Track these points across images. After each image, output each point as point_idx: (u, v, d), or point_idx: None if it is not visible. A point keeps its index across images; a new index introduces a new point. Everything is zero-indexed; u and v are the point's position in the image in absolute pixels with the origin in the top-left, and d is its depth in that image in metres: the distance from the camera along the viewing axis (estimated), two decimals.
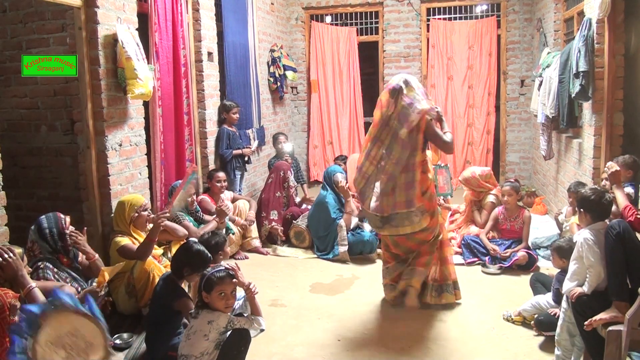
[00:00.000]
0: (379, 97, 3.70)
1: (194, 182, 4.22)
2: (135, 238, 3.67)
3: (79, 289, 3.11)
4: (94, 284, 3.39)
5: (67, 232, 3.07)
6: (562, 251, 3.39)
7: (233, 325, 2.74)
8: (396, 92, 3.53)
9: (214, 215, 4.58)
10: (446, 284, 3.82)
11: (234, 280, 2.77)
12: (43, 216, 3.11)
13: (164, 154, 4.51)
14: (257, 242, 5.20)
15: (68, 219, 3.16)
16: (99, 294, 3.04)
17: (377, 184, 3.60)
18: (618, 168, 3.04)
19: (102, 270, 3.11)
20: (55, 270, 3.01)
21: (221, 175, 5.00)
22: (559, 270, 3.42)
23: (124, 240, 3.58)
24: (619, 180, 3.01)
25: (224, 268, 2.82)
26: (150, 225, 3.86)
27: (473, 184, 5.13)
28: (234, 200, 5.25)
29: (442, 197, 5.43)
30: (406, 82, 3.55)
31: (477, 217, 5.13)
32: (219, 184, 4.95)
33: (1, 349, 2.07)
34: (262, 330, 2.88)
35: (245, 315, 2.91)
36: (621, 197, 2.91)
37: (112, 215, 3.74)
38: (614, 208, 2.98)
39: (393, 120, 3.52)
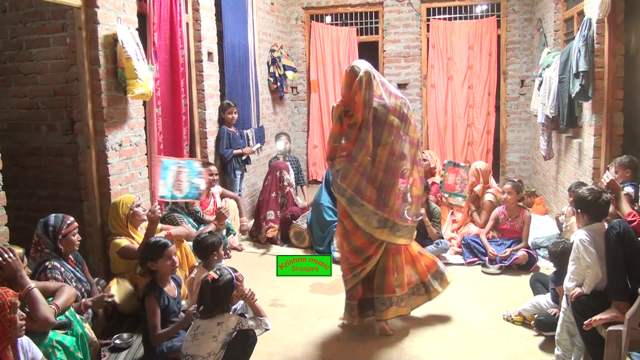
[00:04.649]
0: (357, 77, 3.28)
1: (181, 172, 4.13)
2: (132, 237, 3.67)
3: (82, 290, 3.12)
4: (99, 287, 3.41)
5: (62, 235, 3.06)
6: (551, 254, 3.41)
7: (242, 327, 2.76)
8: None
9: (214, 217, 4.58)
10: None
11: (235, 292, 2.80)
12: (54, 214, 3.13)
13: (163, 154, 4.50)
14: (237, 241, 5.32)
15: (73, 224, 3.14)
16: (106, 301, 3.06)
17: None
18: (612, 177, 3.05)
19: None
20: (63, 269, 3.02)
21: (213, 168, 4.99)
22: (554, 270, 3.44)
23: (123, 242, 3.58)
24: (618, 189, 3.01)
25: (228, 272, 2.83)
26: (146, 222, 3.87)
27: (486, 177, 5.17)
28: (222, 196, 5.26)
29: (447, 195, 5.46)
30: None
31: (476, 217, 5.13)
32: (210, 177, 4.95)
33: (2, 347, 2.07)
34: (266, 330, 2.89)
35: (247, 316, 2.92)
36: (623, 204, 2.92)
37: (108, 218, 3.73)
38: (612, 209, 2.98)
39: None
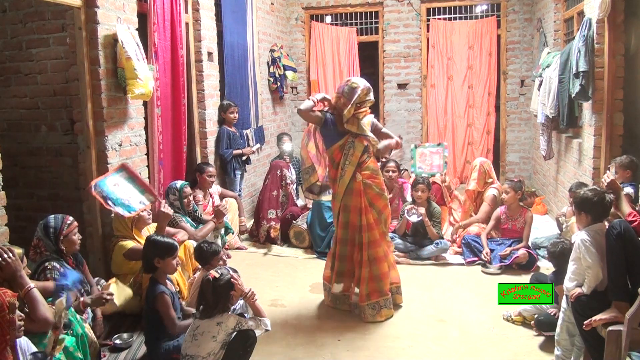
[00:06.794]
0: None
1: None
2: (137, 241, 3.66)
3: (82, 290, 3.11)
4: (99, 287, 3.42)
5: (63, 235, 3.05)
6: (550, 254, 3.42)
7: (241, 327, 2.75)
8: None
9: (212, 216, 4.58)
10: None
11: (232, 292, 2.78)
12: (53, 215, 3.12)
13: (162, 155, 4.50)
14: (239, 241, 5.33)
15: (73, 224, 3.13)
16: (106, 302, 3.05)
17: None
18: (612, 177, 3.05)
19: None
20: (62, 270, 3.01)
21: (212, 169, 4.99)
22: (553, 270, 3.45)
23: (130, 244, 3.58)
24: (618, 189, 3.01)
25: (227, 271, 2.82)
26: (151, 226, 3.87)
27: (482, 173, 5.16)
28: (222, 196, 5.25)
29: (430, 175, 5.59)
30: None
31: (474, 217, 5.12)
32: (210, 178, 4.95)
33: (1, 347, 2.07)
34: (267, 330, 2.89)
35: (247, 316, 2.92)
36: (624, 204, 2.92)
37: (112, 220, 3.73)
38: (612, 210, 2.98)
39: None
